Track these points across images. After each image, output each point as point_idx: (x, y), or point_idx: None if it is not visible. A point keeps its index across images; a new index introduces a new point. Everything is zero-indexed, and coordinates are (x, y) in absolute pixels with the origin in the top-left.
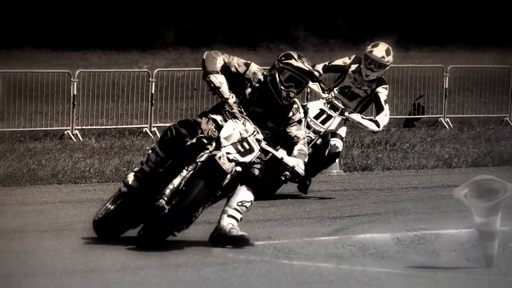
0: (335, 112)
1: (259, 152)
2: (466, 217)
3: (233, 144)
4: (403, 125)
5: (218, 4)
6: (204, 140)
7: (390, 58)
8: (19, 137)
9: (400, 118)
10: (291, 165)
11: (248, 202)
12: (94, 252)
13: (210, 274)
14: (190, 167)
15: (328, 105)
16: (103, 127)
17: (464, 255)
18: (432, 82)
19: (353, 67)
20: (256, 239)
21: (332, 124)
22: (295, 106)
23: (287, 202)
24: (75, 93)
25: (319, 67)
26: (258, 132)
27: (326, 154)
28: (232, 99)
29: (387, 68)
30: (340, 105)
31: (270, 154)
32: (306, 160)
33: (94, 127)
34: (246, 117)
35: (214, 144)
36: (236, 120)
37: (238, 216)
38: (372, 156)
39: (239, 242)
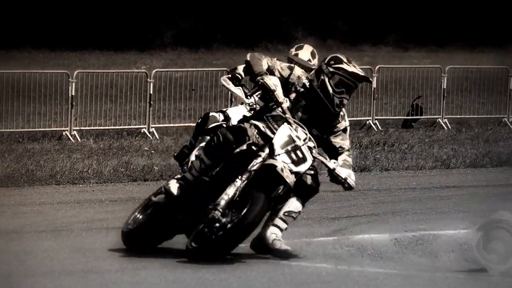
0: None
1: (312, 162)
2: (464, 217)
3: (287, 152)
4: (401, 125)
5: (217, 4)
6: (254, 147)
7: (316, 61)
8: (17, 138)
9: (398, 118)
10: (343, 177)
11: (296, 212)
12: (92, 252)
13: (209, 274)
14: (244, 176)
15: (252, 112)
16: (101, 127)
17: (462, 255)
18: (430, 83)
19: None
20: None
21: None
22: (341, 113)
23: None
24: (73, 93)
25: (240, 68)
26: (310, 139)
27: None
28: (286, 103)
29: (312, 72)
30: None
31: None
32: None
33: (92, 127)
34: (299, 123)
35: (266, 151)
36: (290, 126)
37: (283, 226)
38: (370, 157)
39: (283, 255)
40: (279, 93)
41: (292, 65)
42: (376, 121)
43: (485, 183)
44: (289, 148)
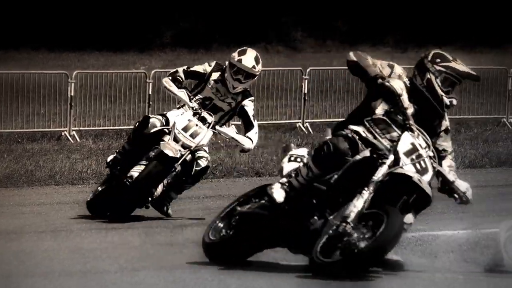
0: (204, 124)
1: (433, 173)
2: (463, 218)
3: (412, 162)
4: None
5: (216, 5)
6: (376, 155)
7: (260, 67)
8: (17, 138)
9: None
10: (463, 190)
11: (408, 224)
12: (92, 253)
13: (207, 275)
14: (371, 188)
15: (196, 116)
16: (101, 128)
17: (462, 256)
18: None
19: (215, 75)
20: None
21: (204, 139)
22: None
23: None
24: (72, 94)
25: (181, 71)
26: (429, 147)
27: (193, 172)
28: (411, 109)
29: (255, 78)
30: (211, 117)
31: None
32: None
33: (91, 128)
34: (421, 130)
35: (390, 159)
36: (412, 133)
37: None
38: None
39: (393, 267)
40: (404, 97)
41: (392, 63)
42: None
43: (484, 183)
44: (413, 157)
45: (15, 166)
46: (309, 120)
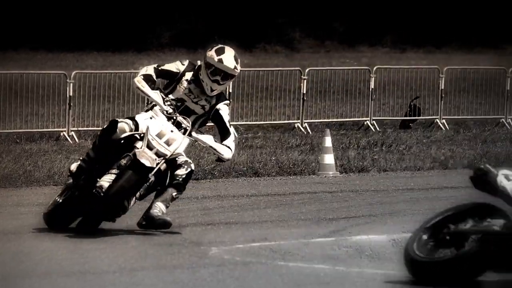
0: (179, 130)
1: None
2: None
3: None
4: (399, 126)
5: (214, 5)
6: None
7: (239, 67)
8: (15, 139)
9: (396, 119)
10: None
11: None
12: (90, 253)
13: (206, 275)
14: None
15: (171, 121)
16: (99, 128)
17: None
18: (428, 84)
19: (188, 75)
20: (252, 241)
21: (180, 146)
22: None
23: (283, 203)
24: (71, 94)
25: (151, 69)
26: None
27: (168, 182)
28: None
29: (233, 79)
30: (187, 122)
31: None
32: None
33: (90, 128)
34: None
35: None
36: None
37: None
38: (368, 157)
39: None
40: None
41: None
42: (374, 121)
43: None
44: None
45: (13, 166)
46: (307, 120)
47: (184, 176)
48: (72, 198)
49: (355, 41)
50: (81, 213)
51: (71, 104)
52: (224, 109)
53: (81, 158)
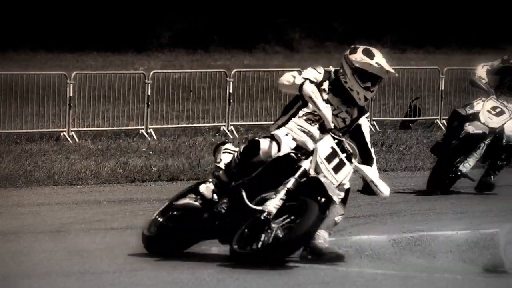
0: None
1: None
2: (462, 218)
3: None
4: (399, 126)
5: (214, 6)
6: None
7: None
8: (15, 139)
9: (396, 120)
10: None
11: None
12: (90, 253)
13: (206, 275)
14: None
15: (336, 142)
16: (99, 128)
17: (460, 256)
18: (428, 84)
19: (325, 85)
20: None
21: (347, 177)
22: None
23: None
24: (71, 94)
25: (298, 76)
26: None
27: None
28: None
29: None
30: (353, 149)
31: None
32: None
33: (90, 128)
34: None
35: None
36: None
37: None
38: None
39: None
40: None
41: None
42: (374, 122)
43: None
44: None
45: (13, 167)
46: None
47: (343, 196)
48: (197, 219)
49: (354, 41)
50: (203, 236)
51: (71, 104)
52: (365, 124)
53: (209, 180)
